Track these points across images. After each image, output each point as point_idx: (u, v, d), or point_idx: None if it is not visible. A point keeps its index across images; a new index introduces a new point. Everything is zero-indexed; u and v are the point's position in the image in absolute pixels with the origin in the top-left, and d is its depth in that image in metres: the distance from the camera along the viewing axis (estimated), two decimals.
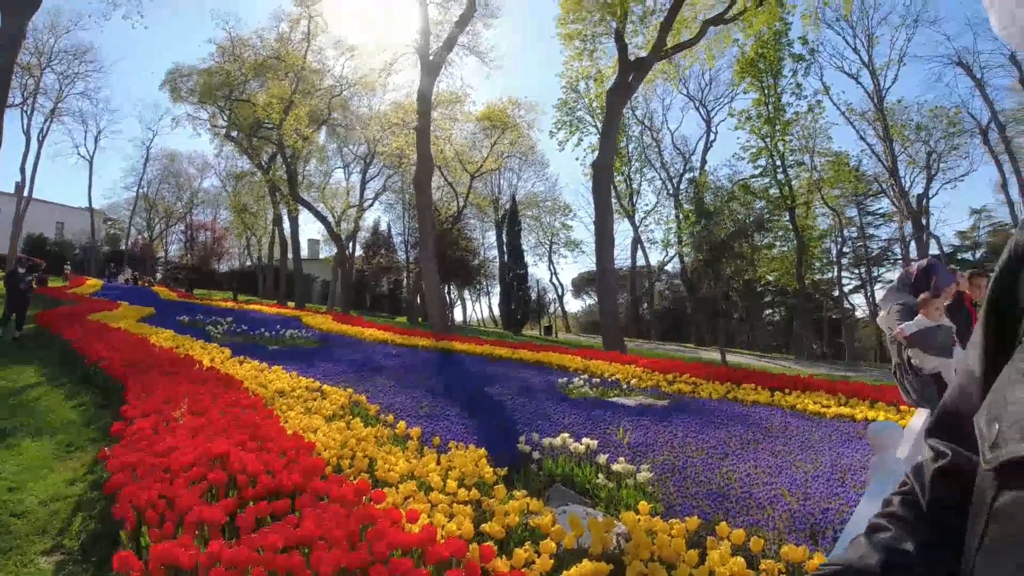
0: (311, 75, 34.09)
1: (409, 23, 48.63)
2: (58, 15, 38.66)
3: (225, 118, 36.38)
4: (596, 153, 21.39)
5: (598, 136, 23.29)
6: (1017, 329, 0.49)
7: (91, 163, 46.15)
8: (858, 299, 43.25)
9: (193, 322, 16.25)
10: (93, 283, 30.44)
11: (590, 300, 54.86)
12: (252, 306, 25.65)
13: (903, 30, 35.55)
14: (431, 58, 21.68)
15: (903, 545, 0.59)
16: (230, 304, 25.48)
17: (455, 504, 3.76)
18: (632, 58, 20.09)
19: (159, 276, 48.75)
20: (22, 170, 39.36)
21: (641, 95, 38.79)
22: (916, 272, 3.65)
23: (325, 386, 7.96)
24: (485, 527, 3.51)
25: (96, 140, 46.57)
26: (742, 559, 2.99)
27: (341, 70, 36.04)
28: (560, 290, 53.18)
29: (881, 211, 39.89)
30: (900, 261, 37.33)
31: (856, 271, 42.07)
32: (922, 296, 4.36)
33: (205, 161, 53.23)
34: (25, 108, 39.05)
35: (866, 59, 35.69)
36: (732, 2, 20.25)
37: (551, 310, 51.79)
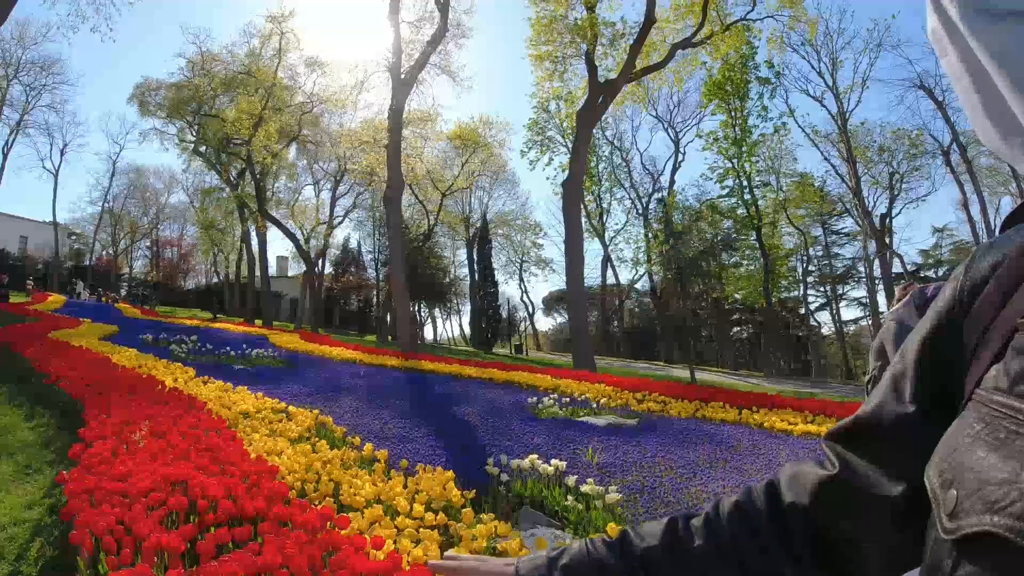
0: (282, 91, 33.90)
1: (381, 41, 48.86)
2: (26, 26, 38.17)
3: (194, 133, 36.01)
4: (566, 172, 21.56)
5: (568, 155, 23.49)
6: (961, 380, 0.48)
7: (56, 177, 45.41)
8: (824, 316, 44.00)
9: (157, 341, 15.95)
10: (56, 299, 29.78)
11: (560, 318, 54.97)
12: (218, 324, 25.28)
13: (867, 54, 36.55)
14: (403, 77, 21.73)
15: (719, 533, 0.62)
16: (196, 322, 25.08)
17: (422, 529, 3.72)
18: (602, 80, 20.35)
19: (123, 292, 47.81)
20: None
21: (611, 116, 39.26)
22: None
23: (291, 407, 7.85)
24: (451, 552, 3.48)
25: (62, 153, 45.88)
26: None
27: (312, 87, 35.96)
28: (531, 308, 53.28)
29: (845, 230, 40.77)
30: (864, 279, 38.09)
31: (822, 289, 42.83)
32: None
33: (172, 176, 52.70)
34: None
35: (830, 82, 36.59)
36: (700, 26, 20.62)
37: (521, 328, 51.84)
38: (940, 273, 36.63)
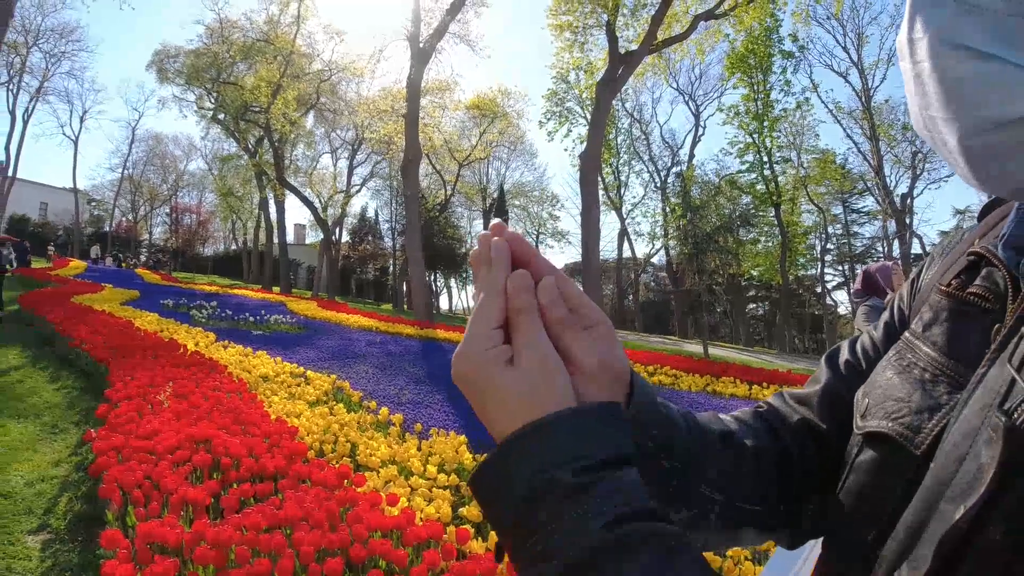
0: (300, 59, 33.74)
1: (400, 9, 48.42)
2: None
3: (212, 100, 36.04)
4: (584, 144, 21.43)
5: (587, 127, 23.31)
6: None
7: (76, 143, 45.86)
8: (841, 296, 43.66)
9: (177, 306, 16.22)
10: (77, 264, 30.22)
11: None
12: (236, 291, 25.57)
13: (893, 30, 35.72)
14: (421, 45, 21.63)
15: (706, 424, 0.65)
16: (215, 288, 25.40)
17: (435, 488, 3.85)
18: (623, 51, 20.11)
19: (143, 258, 48.38)
20: (7, 149, 39.04)
21: (631, 88, 38.83)
22: (860, 285, 3.79)
23: (309, 372, 8.03)
24: (463, 511, 3.62)
25: (81, 120, 46.31)
26: None
27: (331, 55, 35.88)
28: None
29: (866, 209, 40.22)
30: (882, 258, 37.70)
31: (840, 268, 42.44)
32: (888, 296, 4.50)
33: (191, 143, 53.07)
34: (11, 87, 38.74)
35: (855, 58, 35.92)
36: None
37: None
38: None
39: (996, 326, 0.48)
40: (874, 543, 0.48)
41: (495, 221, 0.54)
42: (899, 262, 4.74)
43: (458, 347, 0.48)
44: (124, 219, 54.87)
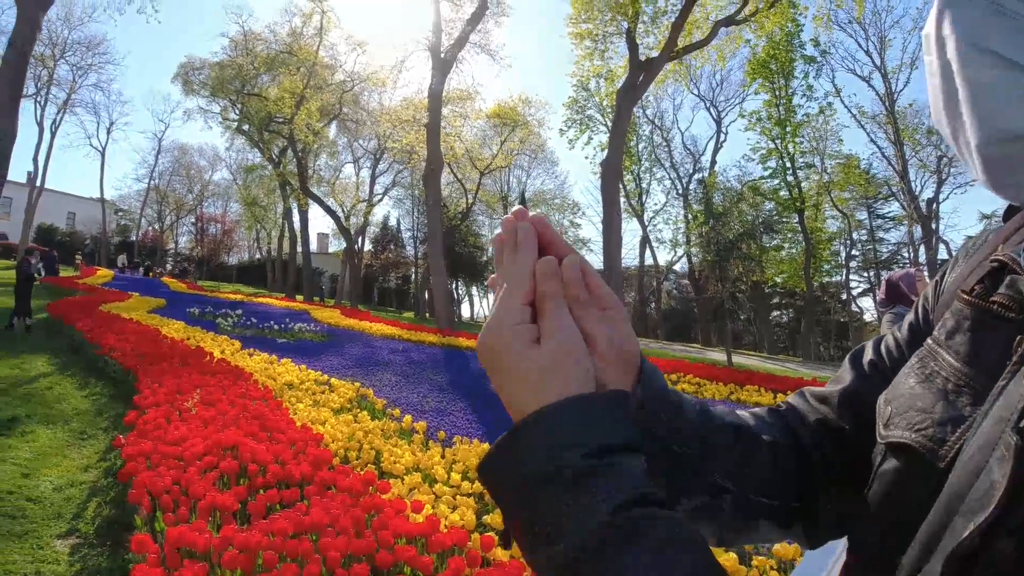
0: (323, 70, 34.09)
1: (421, 20, 48.78)
2: (72, 6, 39.06)
3: (237, 111, 36.51)
4: (605, 152, 21.40)
5: (607, 135, 23.28)
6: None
7: (103, 154, 46.61)
8: (866, 302, 43.04)
9: (203, 314, 16.42)
10: (104, 273, 30.71)
11: None
12: (261, 299, 25.83)
13: (915, 34, 35.33)
14: (442, 55, 21.77)
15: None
16: (240, 297, 25.68)
17: (458, 496, 3.86)
18: (643, 58, 20.08)
19: (168, 267, 49.07)
20: (35, 160, 39.78)
21: (652, 94, 38.77)
22: (884, 294, 3.76)
23: (333, 379, 8.08)
24: (487, 518, 3.62)
25: (108, 131, 47.01)
26: (734, 555, 3.09)
27: (353, 65, 36.16)
28: None
29: (891, 214, 39.64)
30: (908, 264, 37.16)
31: (865, 274, 41.89)
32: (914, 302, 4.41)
33: (216, 154, 53.76)
34: (39, 99, 39.45)
35: (878, 62, 35.56)
36: (744, 3, 20.21)
37: None
38: None
39: (1019, 337, 0.47)
40: (896, 552, 0.48)
41: (517, 207, 0.55)
42: (923, 268, 4.71)
43: (487, 321, 0.49)
44: (151, 228, 55.73)
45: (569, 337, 0.47)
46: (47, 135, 40.54)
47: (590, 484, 0.41)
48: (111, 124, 47.00)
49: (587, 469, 0.41)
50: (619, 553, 0.38)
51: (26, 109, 36.03)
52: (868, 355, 0.68)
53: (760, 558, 3.20)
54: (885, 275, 3.21)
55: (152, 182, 51.68)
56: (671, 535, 0.40)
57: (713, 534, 0.63)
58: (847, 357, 0.71)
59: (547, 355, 0.45)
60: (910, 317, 0.67)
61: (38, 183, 39.23)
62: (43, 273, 15.44)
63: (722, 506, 0.61)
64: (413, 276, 48.00)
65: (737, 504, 0.61)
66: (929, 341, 0.57)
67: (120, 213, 55.33)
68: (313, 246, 42.47)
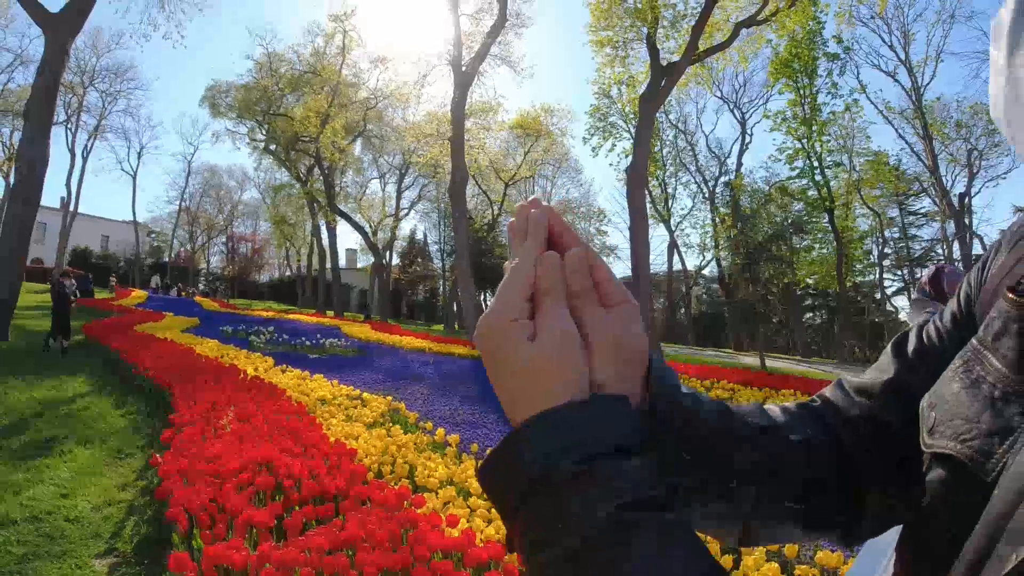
0: (346, 88, 34.57)
1: (441, 35, 49.18)
2: (99, 35, 40.04)
3: (264, 132, 37.11)
4: (630, 158, 21.32)
5: (631, 141, 23.20)
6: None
7: (134, 178, 47.61)
8: (901, 301, 42.23)
9: (236, 332, 16.63)
10: (138, 294, 31.31)
11: None
12: (292, 315, 26.10)
13: (939, 26, 34.86)
14: (464, 69, 21.90)
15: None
16: (271, 314, 25.98)
17: (493, 509, 3.82)
18: (664, 63, 20.00)
19: (201, 287, 49.87)
20: (67, 185, 40.85)
21: (674, 98, 38.57)
22: (926, 283, 3.66)
23: (365, 394, 8.11)
24: None
25: (139, 156, 48.02)
26: (776, 564, 3.02)
27: (375, 82, 36.58)
28: None
29: (923, 211, 38.92)
30: (943, 261, 36.41)
31: (899, 273, 41.15)
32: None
33: (245, 174, 54.63)
34: (69, 125, 40.54)
35: (903, 56, 35.04)
36: (764, 3, 20.04)
37: None
38: None
39: None
40: (944, 563, 0.45)
41: (533, 196, 0.54)
42: (956, 265, 4.58)
43: (486, 310, 0.48)
44: (183, 249, 56.72)
45: (562, 336, 0.45)
46: (79, 160, 41.66)
47: (584, 488, 0.40)
48: (141, 148, 48.14)
49: (581, 473, 0.40)
50: (612, 556, 0.38)
51: (57, 136, 36.93)
52: (912, 343, 0.64)
53: (802, 567, 3.12)
54: (931, 267, 3.11)
55: (183, 203, 52.65)
56: (666, 538, 0.39)
57: (732, 535, 0.60)
58: (889, 345, 0.67)
59: (539, 354, 0.45)
60: (952, 306, 0.63)
61: (71, 207, 40.18)
62: (78, 295, 15.75)
63: (740, 510, 0.58)
64: (441, 288, 48.23)
65: (759, 508, 0.58)
66: (974, 342, 0.52)
67: (153, 235, 56.44)
68: (342, 262, 42.90)
